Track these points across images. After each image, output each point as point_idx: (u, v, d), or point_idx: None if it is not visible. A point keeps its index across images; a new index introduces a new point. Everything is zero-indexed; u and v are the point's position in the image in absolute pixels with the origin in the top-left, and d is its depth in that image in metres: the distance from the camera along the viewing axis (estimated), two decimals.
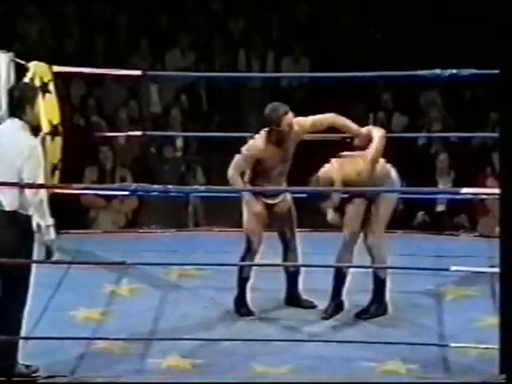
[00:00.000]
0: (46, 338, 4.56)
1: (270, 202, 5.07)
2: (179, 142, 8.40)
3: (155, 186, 4.44)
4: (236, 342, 4.65)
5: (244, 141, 5.24)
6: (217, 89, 8.88)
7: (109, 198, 7.90)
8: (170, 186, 4.46)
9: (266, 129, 5.10)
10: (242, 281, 5.09)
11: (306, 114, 9.48)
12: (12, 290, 4.23)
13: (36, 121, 4.41)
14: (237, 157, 5.08)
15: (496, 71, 5.40)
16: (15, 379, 4.25)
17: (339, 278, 4.98)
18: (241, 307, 5.08)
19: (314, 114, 9.47)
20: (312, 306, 5.13)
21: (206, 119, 8.81)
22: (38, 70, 5.53)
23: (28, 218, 4.23)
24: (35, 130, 4.44)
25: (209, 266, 5.50)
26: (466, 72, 5.33)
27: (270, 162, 5.05)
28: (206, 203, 7.77)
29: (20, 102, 4.31)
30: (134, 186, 4.67)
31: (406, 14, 9.04)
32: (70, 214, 7.01)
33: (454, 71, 5.30)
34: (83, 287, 5.23)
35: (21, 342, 4.34)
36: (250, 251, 5.06)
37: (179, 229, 6.74)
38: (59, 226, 4.59)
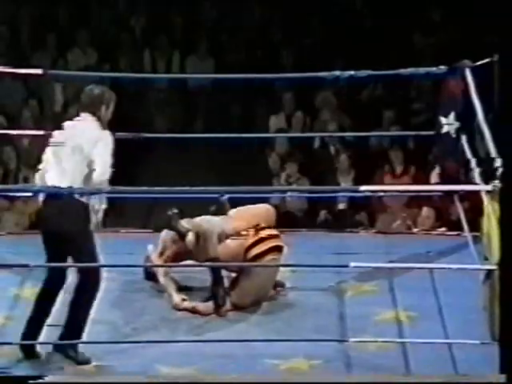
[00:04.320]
0: None
1: None
2: None
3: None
4: (141, 343, 4.67)
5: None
6: (121, 88, 8.85)
7: (12, 199, 7.80)
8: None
9: None
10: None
11: (211, 115, 9.54)
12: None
13: (106, 120, 4.74)
14: None
15: (391, 72, 5.61)
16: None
17: None
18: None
19: (219, 113, 9.51)
20: None
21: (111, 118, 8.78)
22: None
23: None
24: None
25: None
26: (363, 73, 5.47)
27: None
28: (111, 204, 7.74)
29: (97, 101, 4.67)
30: (37, 186, 4.65)
31: (310, 16, 9.23)
32: None
33: (352, 72, 5.43)
34: None
35: None
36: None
37: None
38: None
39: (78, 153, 4.62)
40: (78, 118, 4.78)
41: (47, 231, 4.65)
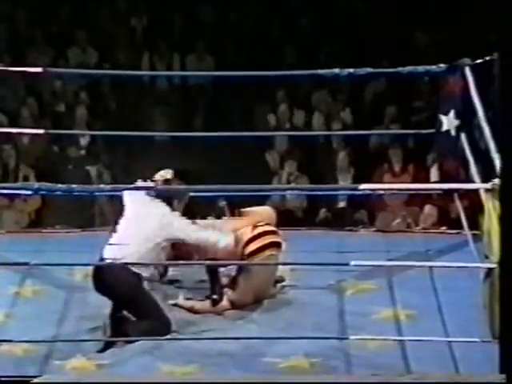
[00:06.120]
0: None
1: None
2: (83, 141, 8.36)
3: (59, 186, 4.42)
4: (142, 342, 4.67)
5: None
6: (121, 87, 8.86)
7: (12, 198, 7.81)
8: (73, 186, 4.45)
9: None
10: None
11: (211, 113, 9.44)
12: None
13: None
14: None
15: (390, 70, 5.59)
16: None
17: None
18: None
19: (219, 112, 9.40)
20: None
21: (110, 117, 8.79)
22: None
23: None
24: None
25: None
26: (363, 71, 5.45)
27: None
28: (111, 203, 7.75)
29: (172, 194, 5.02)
30: (37, 185, 4.64)
31: (310, 15, 9.24)
32: None
33: (352, 70, 5.41)
34: None
35: None
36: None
37: (84, 228, 6.70)
38: None
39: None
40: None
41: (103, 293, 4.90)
